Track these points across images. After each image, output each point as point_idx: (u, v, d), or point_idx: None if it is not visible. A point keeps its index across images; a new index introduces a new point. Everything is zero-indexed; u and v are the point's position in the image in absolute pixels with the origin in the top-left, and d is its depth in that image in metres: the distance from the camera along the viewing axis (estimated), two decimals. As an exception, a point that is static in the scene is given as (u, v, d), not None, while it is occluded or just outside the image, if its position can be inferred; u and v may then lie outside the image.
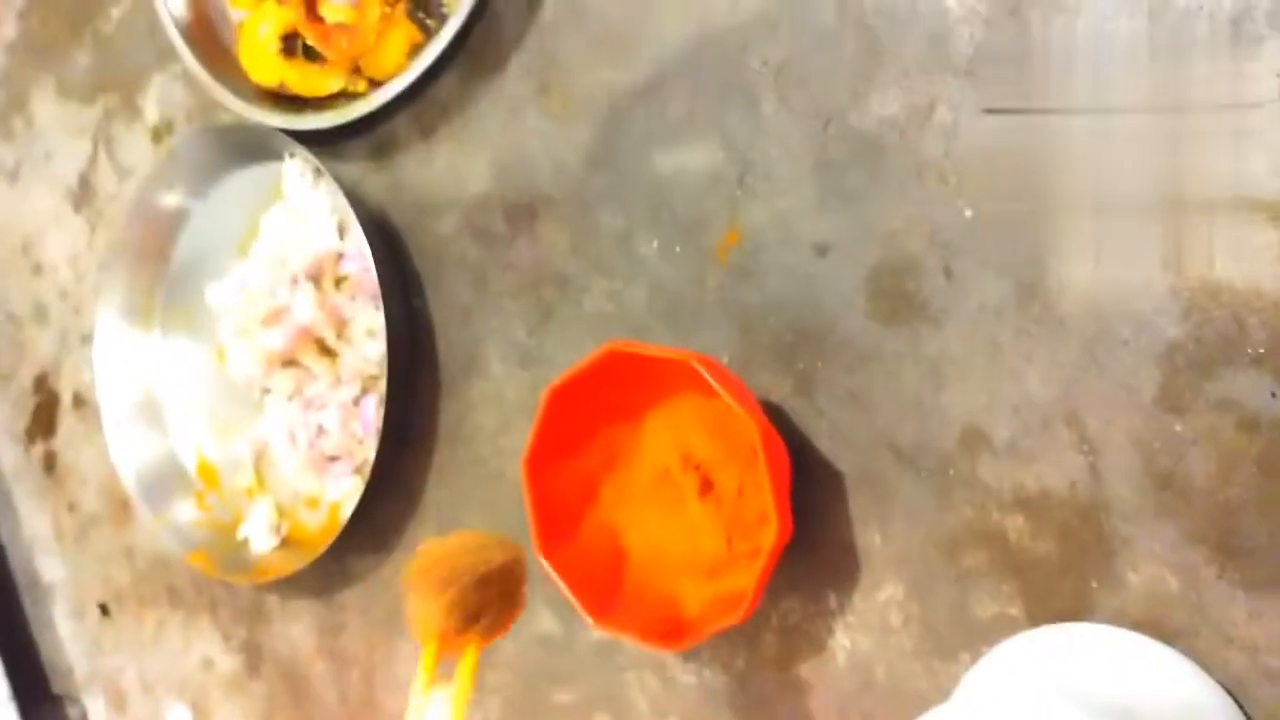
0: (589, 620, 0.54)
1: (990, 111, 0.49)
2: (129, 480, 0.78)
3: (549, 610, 0.64)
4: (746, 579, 0.51)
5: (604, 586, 0.56)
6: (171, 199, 0.76)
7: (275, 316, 0.69)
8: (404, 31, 0.66)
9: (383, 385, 0.65)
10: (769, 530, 0.50)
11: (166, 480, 0.78)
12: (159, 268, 0.78)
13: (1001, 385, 0.49)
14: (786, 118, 0.54)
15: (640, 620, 0.54)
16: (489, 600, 0.46)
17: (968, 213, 0.50)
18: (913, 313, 0.51)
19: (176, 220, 0.77)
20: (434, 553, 0.47)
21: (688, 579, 0.56)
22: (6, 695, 0.86)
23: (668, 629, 0.53)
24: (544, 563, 0.55)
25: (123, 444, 0.78)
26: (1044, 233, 0.48)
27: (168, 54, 0.78)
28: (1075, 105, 0.47)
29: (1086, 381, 0.47)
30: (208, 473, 0.78)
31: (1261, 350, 0.44)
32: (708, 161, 0.57)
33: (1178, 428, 0.45)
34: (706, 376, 0.50)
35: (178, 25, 0.74)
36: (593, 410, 0.57)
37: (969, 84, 0.49)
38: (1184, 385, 0.45)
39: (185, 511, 0.77)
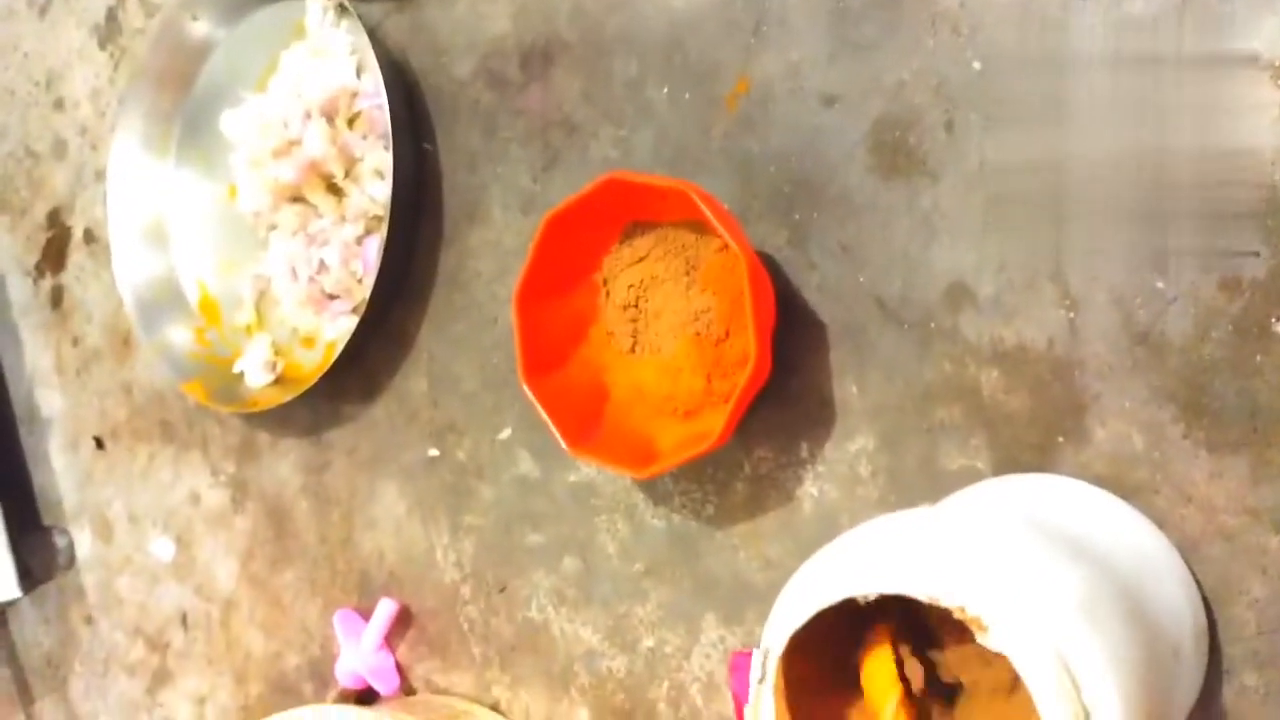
0: (565, 446, 0.55)
1: (1008, -35, 0.49)
2: (131, 307, 0.79)
3: (528, 453, 0.65)
4: (721, 418, 0.52)
5: (583, 418, 0.57)
6: (196, 30, 0.76)
7: (286, 148, 0.70)
8: (438, -128, 0.66)
9: (385, 226, 0.66)
10: (748, 369, 0.51)
11: (169, 311, 0.79)
12: (178, 98, 0.78)
13: (990, 241, 0.50)
14: (807, -32, 0.54)
15: (614, 452, 0.55)
16: None
17: (976, 65, 0.50)
18: (911, 166, 0.52)
19: (200, 52, 0.77)
20: None
21: (665, 418, 0.57)
22: (-2, 519, 0.88)
23: (639, 458, 0.54)
24: (526, 390, 0.57)
25: (129, 272, 0.80)
26: (1053, 88, 0.48)
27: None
28: (1093, -40, 0.47)
29: (1075, 240, 0.48)
30: (209, 307, 0.79)
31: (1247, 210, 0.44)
32: (724, 8, 0.57)
33: (1159, 285, 0.46)
34: (702, 206, 0.50)
35: None
36: (588, 247, 0.58)
37: (990, -63, 0.49)
38: (1171, 247, 0.46)
39: (184, 343, 0.78)
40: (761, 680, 0.37)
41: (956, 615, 0.33)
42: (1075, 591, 0.34)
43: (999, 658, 0.32)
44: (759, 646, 0.38)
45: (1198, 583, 0.45)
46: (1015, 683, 0.35)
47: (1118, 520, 0.45)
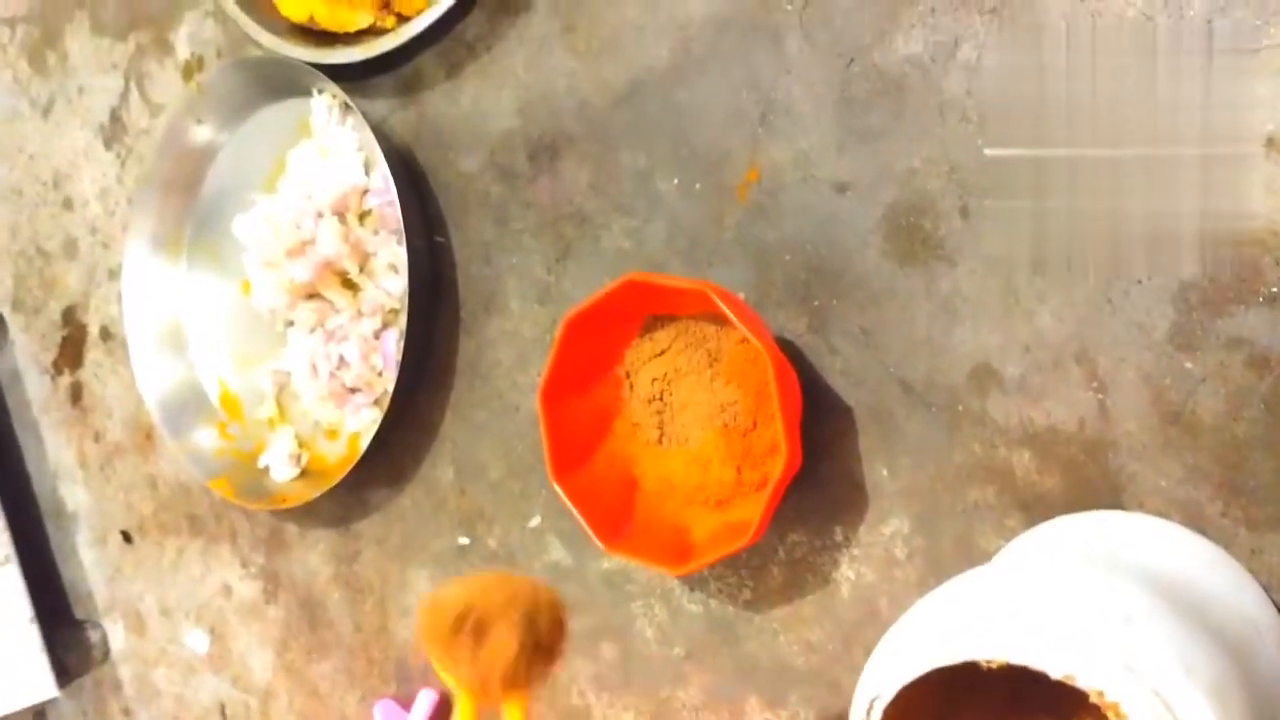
0: (600, 545, 0.56)
1: (1015, 51, 0.49)
2: (154, 408, 0.79)
3: (559, 540, 0.65)
4: (754, 508, 0.52)
5: (615, 514, 0.57)
6: (201, 133, 0.77)
7: (300, 248, 0.70)
8: (433, -32, 0.67)
9: (403, 319, 0.66)
10: (778, 460, 0.51)
11: (190, 409, 0.80)
12: (187, 201, 0.79)
13: (1014, 323, 0.50)
14: (811, 56, 0.55)
15: (649, 546, 0.55)
16: (529, 646, 0.42)
17: (988, 152, 0.50)
18: (928, 252, 0.52)
19: (206, 155, 0.78)
20: (456, 601, 0.42)
21: (697, 508, 0.57)
22: (29, 618, 0.88)
23: (675, 554, 0.54)
24: (557, 489, 0.57)
25: (148, 373, 0.80)
26: (1063, 173, 0.48)
27: (200, -10, 0.79)
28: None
29: (1099, 320, 0.48)
30: (230, 403, 0.79)
31: (1275, 290, 0.44)
32: (731, 100, 0.57)
33: (1188, 365, 0.46)
34: (722, 306, 0.51)
35: (210, -40, 0.74)
36: (609, 343, 0.58)
37: (994, 22, 0.50)
38: (1196, 324, 0.46)
39: (208, 440, 0.79)
40: None
41: (1093, 699, 0.33)
42: (1208, 675, 0.33)
43: None
44: (861, 697, 0.38)
45: None
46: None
47: (1225, 578, 0.44)
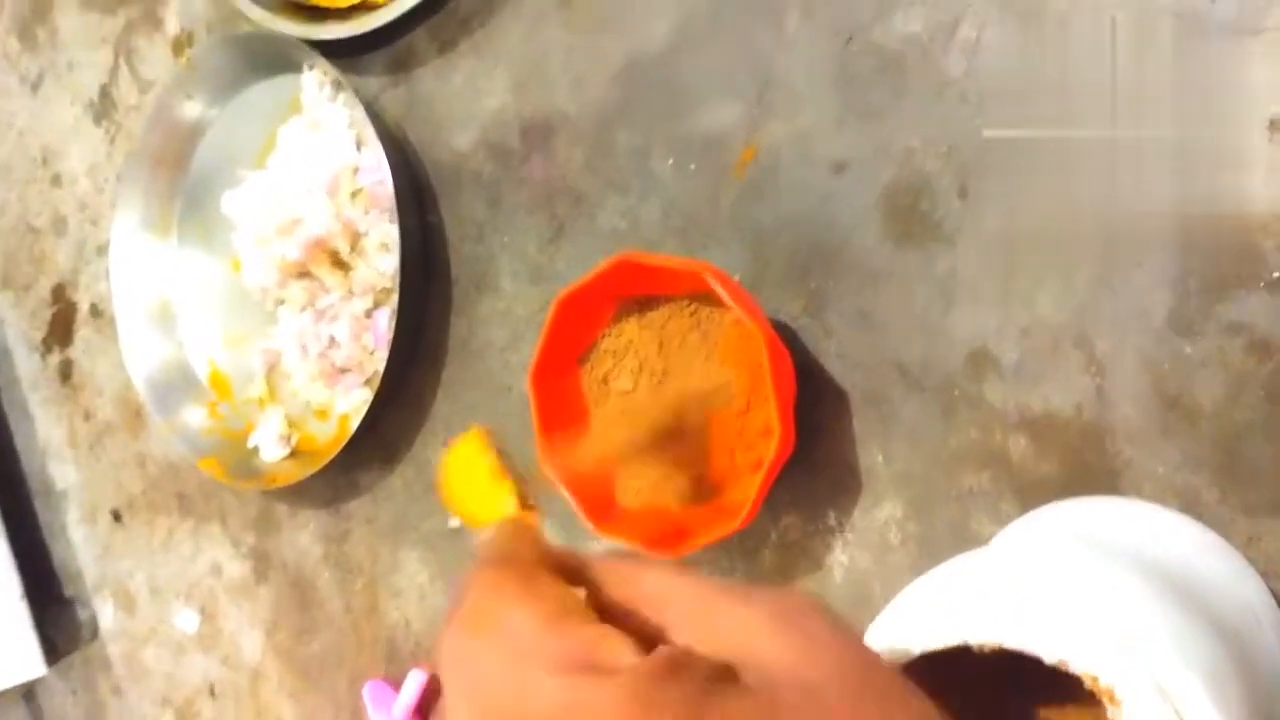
0: (590, 526, 0.55)
1: (1015, 31, 0.48)
2: (142, 387, 0.79)
3: (550, 521, 0.65)
4: (747, 491, 0.52)
5: (606, 496, 0.56)
6: (191, 109, 0.76)
7: (290, 226, 0.69)
8: (427, -59, 0.66)
9: (395, 298, 0.65)
10: (771, 442, 0.50)
11: (179, 388, 0.79)
12: (177, 177, 0.78)
13: (1012, 307, 0.49)
14: (810, 33, 0.54)
15: (640, 529, 0.55)
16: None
17: (986, 133, 0.49)
18: (925, 232, 0.51)
19: (195, 131, 0.77)
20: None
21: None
22: (19, 595, 0.88)
23: (667, 537, 0.54)
24: (548, 471, 0.56)
25: (137, 352, 0.79)
26: (1065, 153, 0.48)
27: (190, -37, 0.78)
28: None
29: (1098, 304, 0.47)
30: (220, 383, 0.78)
31: (1276, 275, 0.43)
32: (729, 77, 0.56)
33: (1187, 350, 0.45)
34: (716, 287, 0.50)
35: (201, -69, 0.73)
36: (600, 323, 0.57)
37: (993, 0, 0.49)
38: (1195, 308, 0.45)
39: (197, 419, 0.78)
40: None
41: (1087, 684, 0.32)
42: (1205, 662, 0.33)
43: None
44: None
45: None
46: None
47: (1223, 564, 0.44)
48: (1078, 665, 0.32)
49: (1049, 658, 0.33)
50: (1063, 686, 0.34)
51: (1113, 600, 0.35)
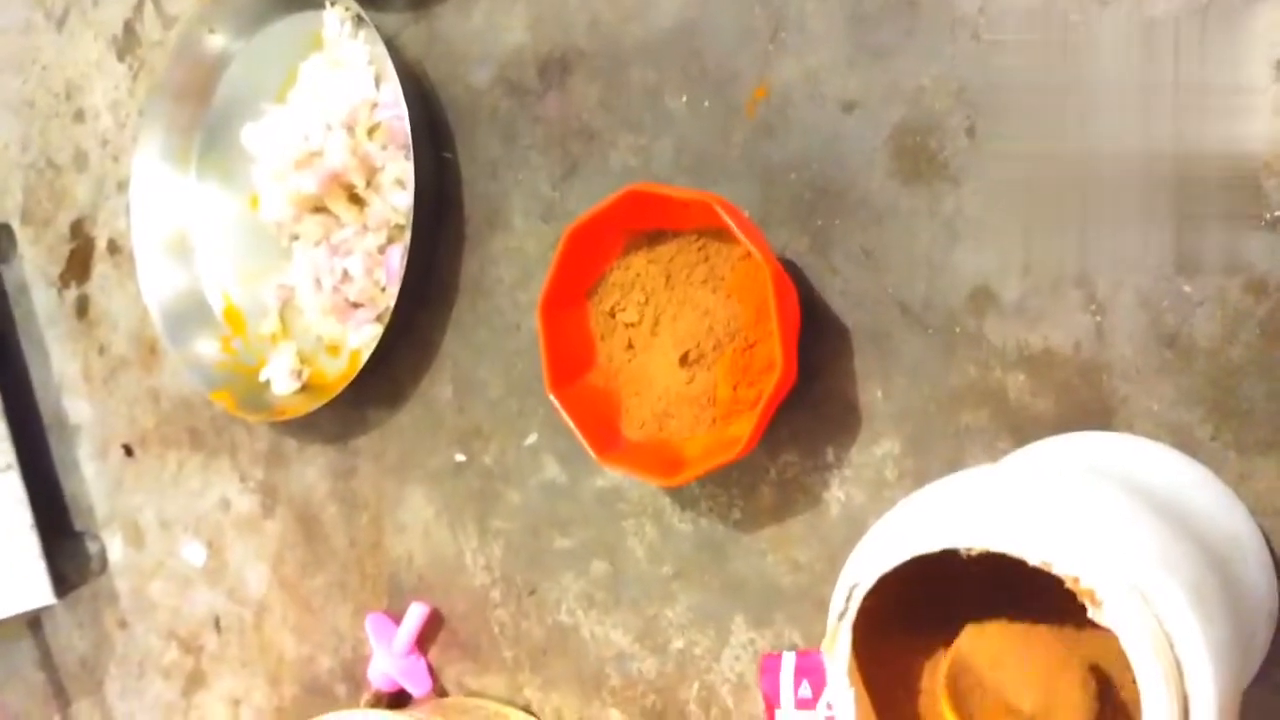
0: (593, 456, 0.56)
1: (1028, -32, 0.49)
2: (157, 318, 0.80)
3: (554, 458, 0.66)
4: (748, 425, 0.53)
5: (610, 425, 0.57)
6: (214, 43, 0.77)
7: (308, 160, 0.70)
8: (451, -120, 0.66)
9: (408, 235, 0.66)
10: (773, 376, 0.51)
11: (194, 322, 0.80)
12: (198, 112, 0.79)
13: (1014, 245, 0.50)
14: (824, -27, 0.54)
15: (642, 459, 0.56)
16: None
17: (997, 70, 0.50)
18: (933, 171, 0.52)
19: (218, 65, 0.78)
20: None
21: (691, 424, 0.57)
22: (29, 524, 0.89)
23: (667, 466, 0.55)
24: (554, 400, 0.57)
25: (154, 284, 0.80)
26: (1075, 92, 0.48)
27: (217, -100, 0.79)
28: (1114, -37, 0.47)
29: (1100, 243, 0.48)
30: (234, 316, 0.80)
31: (1276, 214, 0.44)
32: (742, 16, 0.57)
33: (1186, 289, 0.46)
34: (725, 217, 0.51)
35: None
36: (609, 256, 0.58)
37: (1009, -60, 0.49)
38: (1195, 247, 0.46)
39: (210, 352, 0.79)
40: (843, 615, 0.37)
41: (1069, 585, 0.33)
42: (1187, 575, 0.34)
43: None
44: (842, 585, 0.38)
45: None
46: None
47: (1213, 496, 0.44)
48: (1060, 567, 0.33)
49: (1033, 559, 0.33)
50: (1051, 595, 0.35)
51: (1099, 509, 0.35)
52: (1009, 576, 0.36)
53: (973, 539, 0.34)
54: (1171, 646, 0.32)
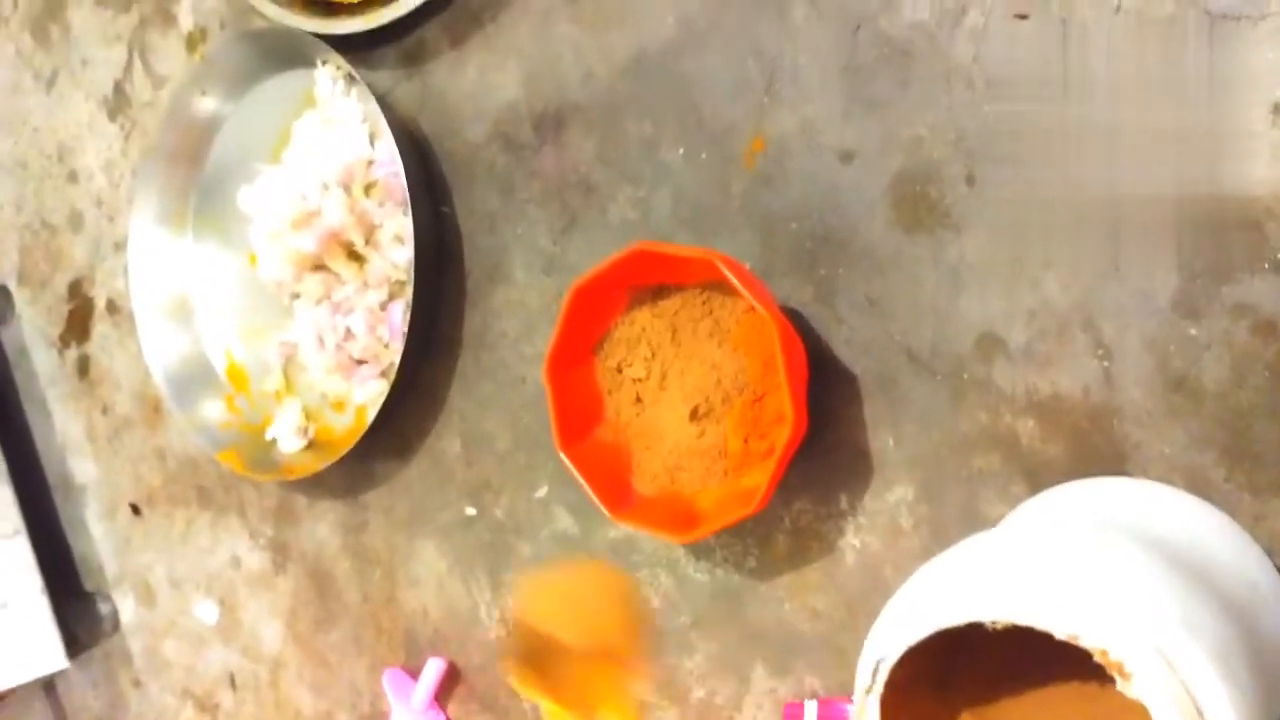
0: (607, 513, 0.56)
1: (1021, 16, 0.49)
2: (160, 381, 0.80)
3: (566, 510, 0.65)
4: (761, 477, 0.53)
5: (621, 480, 0.57)
6: (206, 105, 0.77)
7: (305, 219, 0.70)
8: (437, -63, 0.66)
9: (409, 290, 0.66)
10: (785, 428, 0.51)
11: (197, 382, 0.80)
12: (192, 173, 0.79)
13: (1020, 292, 0.50)
14: (817, 23, 0.54)
15: (656, 515, 0.56)
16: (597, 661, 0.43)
17: (994, 119, 0.50)
18: (934, 219, 0.52)
19: (210, 126, 0.78)
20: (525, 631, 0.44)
21: (703, 478, 0.57)
22: (39, 590, 0.89)
23: (682, 522, 0.55)
24: (564, 458, 0.57)
25: (155, 346, 0.80)
26: (1074, 138, 0.48)
27: (202, -39, 0.79)
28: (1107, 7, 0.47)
29: (1105, 287, 0.48)
30: (237, 375, 0.79)
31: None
32: (737, 68, 0.57)
33: (1193, 332, 0.46)
34: (728, 274, 0.51)
35: (213, -70, 0.74)
36: (614, 311, 0.58)
37: (1001, -12, 0.49)
38: (1201, 291, 0.46)
39: (215, 412, 0.79)
40: (869, 690, 0.37)
41: (1097, 658, 0.33)
42: (1212, 636, 0.34)
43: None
44: (867, 658, 0.38)
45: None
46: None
47: (1230, 543, 0.44)
48: (1088, 640, 0.33)
49: (1060, 633, 0.33)
50: (1074, 660, 0.35)
51: (1121, 576, 0.35)
52: (1034, 635, 0.36)
53: (997, 612, 0.34)
54: (1201, 715, 0.32)
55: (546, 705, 0.43)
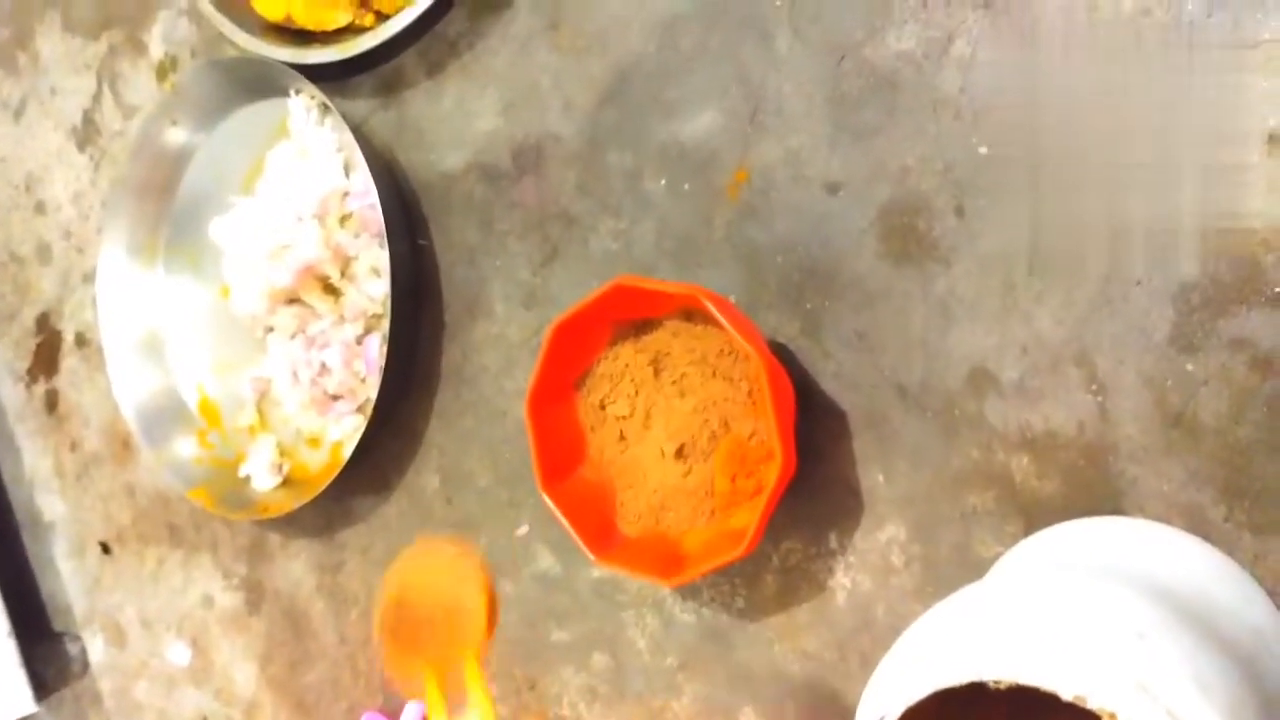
0: (590, 556, 0.54)
1: (1009, 47, 0.48)
2: (131, 417, 0.77)
3: (548, 548, 0.64)
4: (749, 516, 0.51)
5: (605, 521, 0.56)
6: (176, 135, 0.75)
7: (279, 252, 0.68)
8: (413, -36, 0.65)
9: (386, 324, 0.65)
10: (772, 467, 0.50)
11: (168, 417, 0.78)
12: (163, 204, 0.77)
13: (1011, 325, 0.49)
14: (801, 53, 0.53)
15: (641, 557, 0.54)
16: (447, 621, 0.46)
17: (982, 150, 0.49)
18: (923, 252, 0.51)
19: (181, 157, 0.76)
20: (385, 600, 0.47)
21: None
22: (6, 631, 0.86)
23: (668, 564, 0.53)
24: (546, 499, 0.55)
25: (125, 381, 0.78)
26: (1060, 170, 0.47)
27: (173, -12, 0.77)
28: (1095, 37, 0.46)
29: (1099, 321, 0.47)
30: (209, 411, 0.77)
31: (1277, 290, 0.43)
32: (720, 98, 0.56)
33: (1189, 367, 0.45)
34: (712, 310, 0.49)
35: (184, -43, 0.73)
36: (596, 347, 0.57)
37: (988, 17, 0.48)
38: (1197, 325, 0.45)
39: (186, 448, 0.77)
40: None
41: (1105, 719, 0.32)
42: (1221, 693, 0.32)
43: None
44: (867, 715, 0.37)
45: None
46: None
47: (1233, 588, 0.43)
48: (1095, 701, 0.32)
49: (1066, 694, 0.32)
50: (1077, 714, 0.34)
51: (1127, 631, 0.34)
52: (1037, 692, 0.35)
53: (1001, 671, 0.33)
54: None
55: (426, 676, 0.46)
